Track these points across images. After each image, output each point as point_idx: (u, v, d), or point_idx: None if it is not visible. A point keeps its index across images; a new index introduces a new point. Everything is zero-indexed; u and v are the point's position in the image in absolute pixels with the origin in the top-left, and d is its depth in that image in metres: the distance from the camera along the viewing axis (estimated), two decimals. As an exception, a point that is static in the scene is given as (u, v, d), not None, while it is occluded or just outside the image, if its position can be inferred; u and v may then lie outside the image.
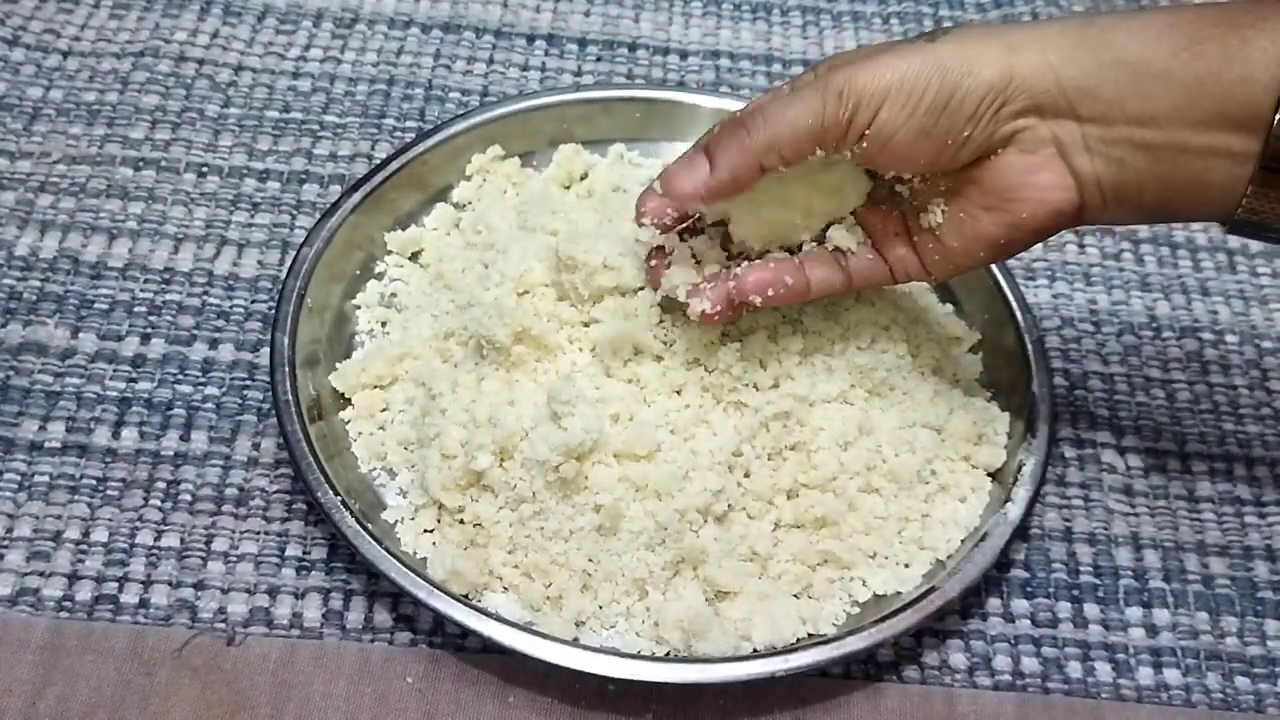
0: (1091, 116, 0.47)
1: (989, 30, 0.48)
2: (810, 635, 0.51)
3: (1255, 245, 0.70)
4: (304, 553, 0.54)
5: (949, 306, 0.63)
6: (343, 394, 0.57)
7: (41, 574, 0.52)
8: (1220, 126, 0.45)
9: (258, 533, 0.54)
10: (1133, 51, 0.46)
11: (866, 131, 0.48)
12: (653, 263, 0.54)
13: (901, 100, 0.47)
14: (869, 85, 0.47)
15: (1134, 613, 0.55)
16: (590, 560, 0.52)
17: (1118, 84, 0.46)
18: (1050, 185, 0.48)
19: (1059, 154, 0.48)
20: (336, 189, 0.67)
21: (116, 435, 0.57)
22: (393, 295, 0.62)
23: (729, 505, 0.53)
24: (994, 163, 0.49)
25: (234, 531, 0.54)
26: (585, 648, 0.49)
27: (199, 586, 0.53)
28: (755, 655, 0.50)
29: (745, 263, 0.53)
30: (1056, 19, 0.50)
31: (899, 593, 0.53)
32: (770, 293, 0.52)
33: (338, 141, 0.70)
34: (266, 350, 0.58)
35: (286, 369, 0.55)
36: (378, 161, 0.66)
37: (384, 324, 0.61)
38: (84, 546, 0.53)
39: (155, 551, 0.54)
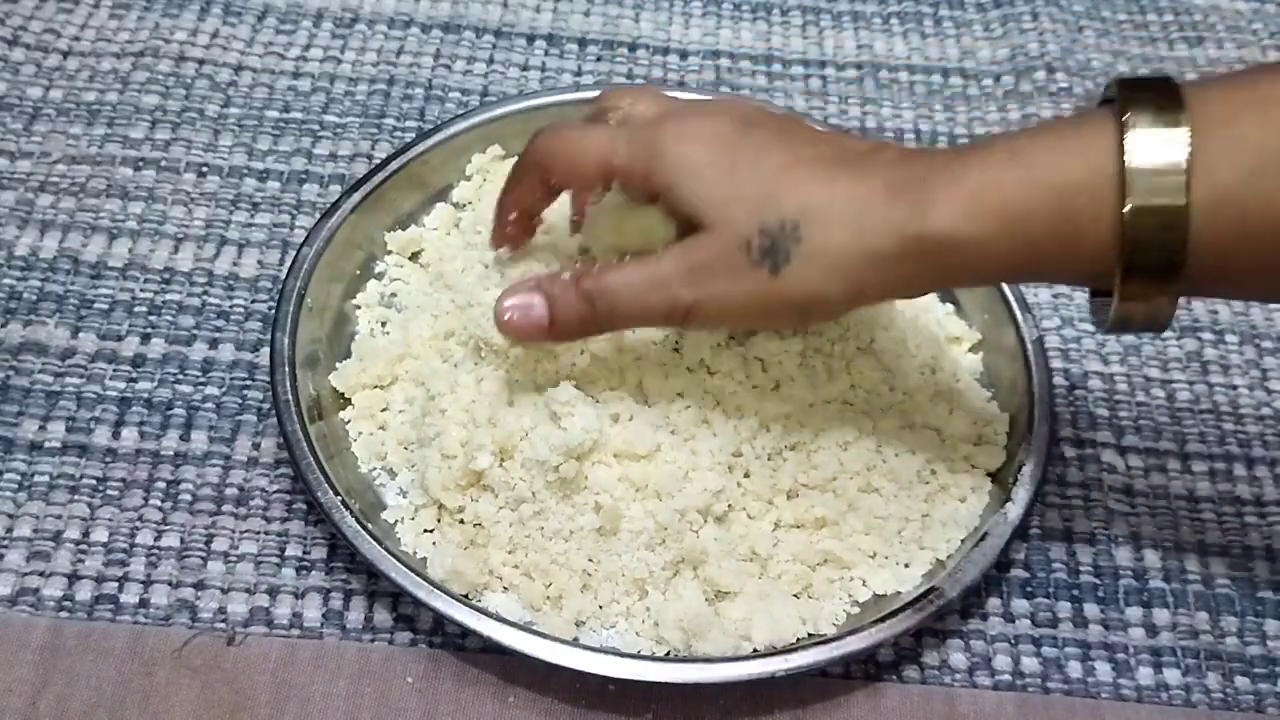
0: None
1: (830, 258, 0.45)
2: (810, 635, 0.51)
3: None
4: (304, 552, 0.54)
5: (949, 306, 0.63)
6: (343, 394, 0.57)
7: (41, 574, 0.52)
8: (1075, 271, 0.46)
9: (258, 532, 0.55)
10: (968, 257, 0.44)
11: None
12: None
13: (750, 321, 0.51)
14: (714, 318, 0.48)
15: (1134, 612, 0.55)
16: (590, 560, 0.52)
17: (954, 279, 0.52)
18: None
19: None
20: (336, 189, 0.67)
21: (116, 435, 0.57)
22: (393, 295, 0.62)
23: (729, 505, 0.53)
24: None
25: (234, 531, 0.54)
26: (585, 647, 0.50)
27: (199, 586, 0.53)
28: (755, 655, 0.50)
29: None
30: (885, 212, 0.45)
31: (899, 592, 0.53)
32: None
33: (338, 141, 0.70)
34: (266, 350, 0.58)
35: (286, 369, 0.55)
36: (378, 161, 0.66)
37: (384, 324, 0.61)
38: (84, 546, 0.53)
39: (155, 551, 0.54)
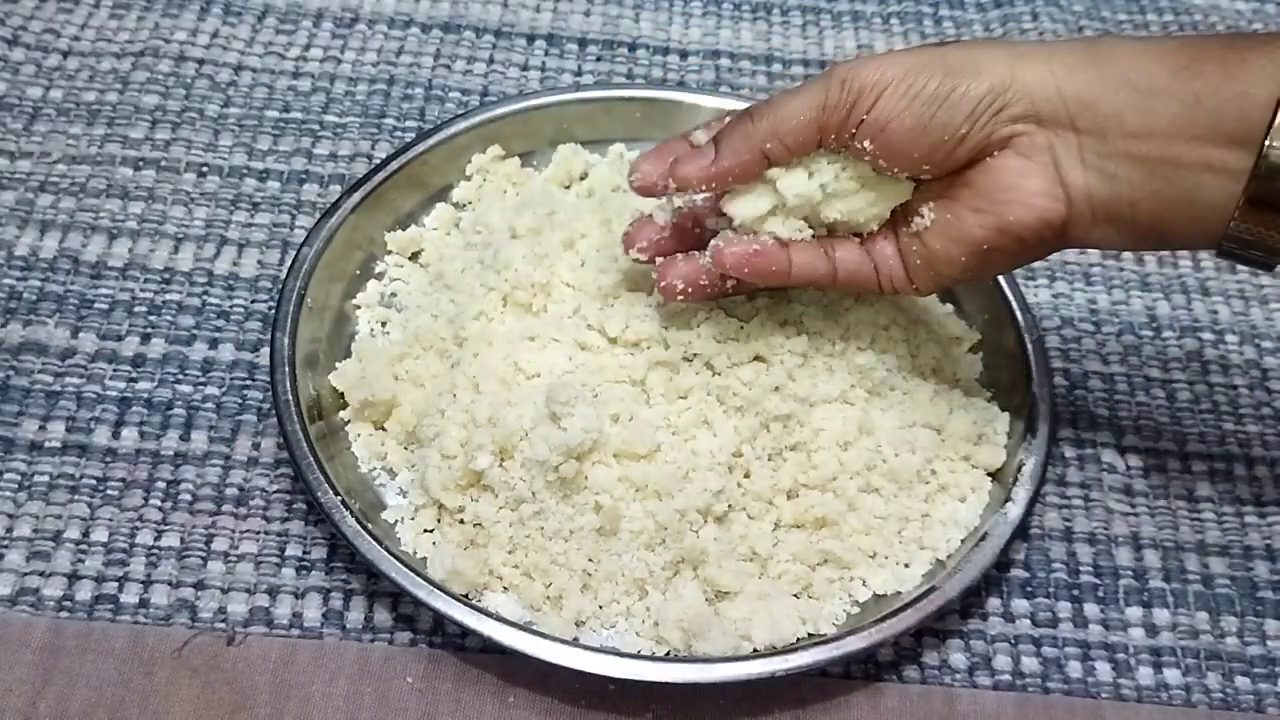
0: (1089, 129, 0.47)
1: (994, 41, 0.49)
2: (810, 635, 0.51)
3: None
4: (304, 552, 0.54)
5: (949, 306, 0.63)
6: (343, 394, 0.57)
7: (41, 574, 0.52)
8: (1216, 142, 0.46)
9: (258, 532, 0.55)
10: (1135, 69, 0.47)
11: (865, 118, 0.48)
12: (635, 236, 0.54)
13: (903, 90, 0.48)
14: (872, 75, 0.48)
15: (1134, 612, 0.55)
16: (590, 560, 0.52)
17: (1118, 98, 0.47)
18: (1039, 191, 0.48)
19: (1053, 163, 0.48)
20: (336, 189, 0.67)
21: (116, 435, 0.57)
22: (393, 295, 0.62)
23: (729, 505, 0.53)
24: (987, 164, 0.49)
25: (234, 531, 0.54)
26: (585, 647, 0.50)
27: (199, 586, 0.53)
28: (755, 655, 0.50)
29: (728, 233, 0.53)
30: (1062, 40, 0.51)
31: (899, 592, 0.53)
32: (747, 269, 0.52)
33: (338, 141, 0.70)
34: (266, 350, 0.58)
35: (286, 369, 0.55)
36: (378, 161, 0.66)
37: (384, 324, 0.61)
38: (84, 546, 0.53)
39: (155, 551, 0.54)
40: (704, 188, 0.51)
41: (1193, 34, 0.48)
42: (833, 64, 0.51)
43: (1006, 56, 0.48)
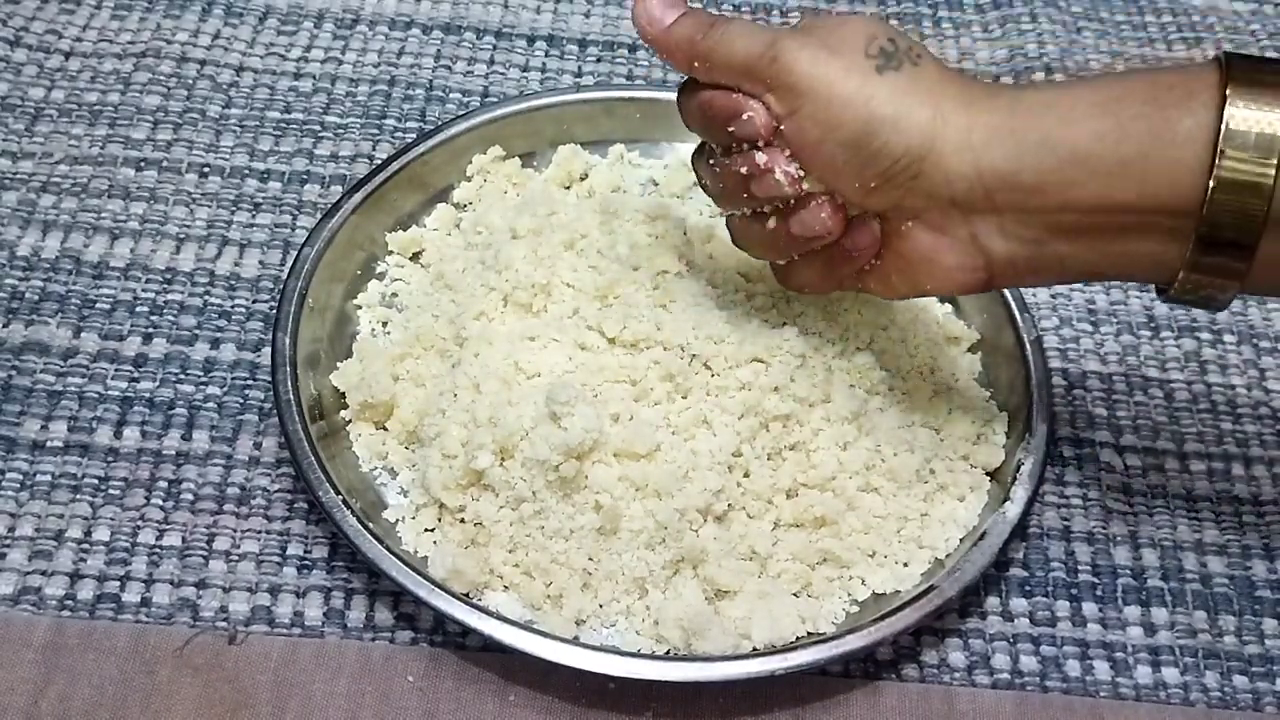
0: (1009, 205, 0.47)
1: (930, 86, 0.47)
2: (809, 634, 0.52)
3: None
4: (305, 552, 0.54)
5: (947, 306, 0.63)
6: (344, 394, 0.57)
7: (43, 573, 0.53)
8: (1149, 208, 0.45)
9: (259, 532, 0.55)
10: (1058, 134, 0.46)
11: (783, 126, 0.48)
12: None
13: (821, 118, 0.47)
14: (801, 77, 0.47)
15: (1132, 611, 0.55)
16: (590, 559, 0.52)
17: (1039, 170, 0.46)
18: (956, 266, 0.49)
19: (970, 238, 0.48)
20: (338, 189, 0.68)
21: (118, 435, 0.57)
22: (394, 295, 0.62)
23: (729, 505, 0.53)
24: (903, 232, 0.49)
25: (236, 530, 0.55)
26: (585, 646, 0.50)
27: (201, 585, 0.53)
28: (755, 654, 0.50)
29: None
30: (991, 90, 0.49)
31: (898, 591, 0.53)
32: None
33: (339, 142, 0.70)
34: (268, 350, 0.58)
35: (288, 368, 0.55)
36: (379, 162, 0.66)
37: (385, 324, 0.61)
38: (86, 545, 0.54)
39: (157, 550, 0.54)
40: (644, 32, 0.50)
41: (1117, 78, 0.46)
42: (806, 20, 0.50)
43: (930, 116, 0.46)
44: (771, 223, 0.51)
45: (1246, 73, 0.44)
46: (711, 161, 0.52)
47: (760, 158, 0.49)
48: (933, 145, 0.46)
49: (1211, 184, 0.43)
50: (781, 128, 0.48)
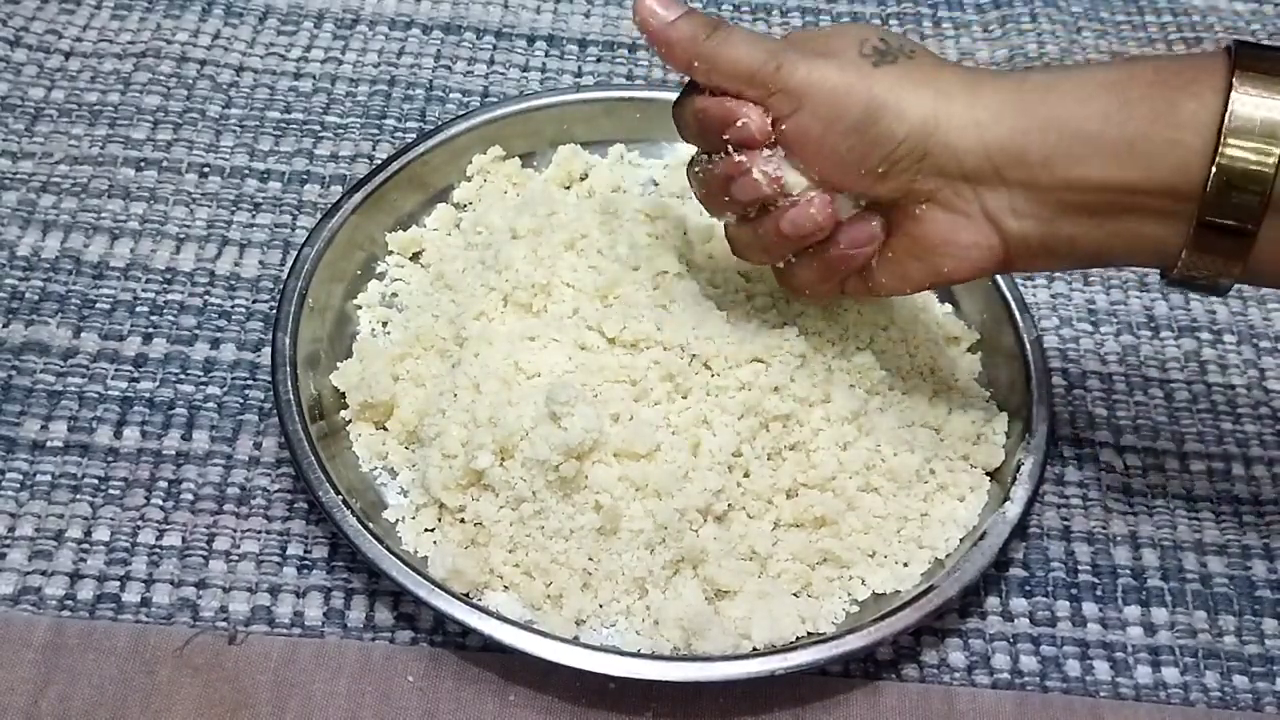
0: (1018, 180, 0.47)
1: (928, 72, 0.48)
2: (809, 634, 0.52)
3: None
4: (305, 552, 0.54)
5: (947, 306, 0.63)
6: (344, 394, 0.57)
7: (44, 573, 0.53)
8: (1153, 192, 0.45)
9: (259, 532, 0.55)
10: (1064, 112, 0.46)
11: (784, 127, 0.48)
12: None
13: (822, 112, 0.47)
14: (803, 79, 0.47)
15: (1132, 611, 0.56)
16: (590, 559, 0.52)
17: (1045, 146, 0.46)
18: (972, 244, 0.49)
19: (983, 213, 0.48)
20: (338, 189, 0.68)
21: (118, 435, 0.57)
22: (394, 295, 0.62)
23: (729, 505, 0.53)
24: (918, 216, 0.49)
25: (236, 530, 0.55)
26: (586, 646, 0.50)
27: (201, 585, 0.53)
28: (755, 654, 0.50)
29: None
30: (994, 73, 0.50)
31: (898, 591, 0.53)
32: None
33: (339, 142, 0.70)
34: (268, 350, 0.58)
35: (288, 368, 0.55)
36: (379, 162, 0.66)
37: (385, 324, 0.61)
38: (86, 545, 0.54)
39: (157, 550, 0.54)
40: (642, 23, 0.50)
41: (1124, 61, 0.47)
42: (800, 35, 0.51)
43: (932, 97, 0.47)
44: (762, 225, 0.51)
45: (1254, 60, 0.45)
46: (696, 169, 0.52)
47: (738, 158, 0.49)
48: (937, 124, 0.47)
49: (1214, 168, 0.44)
50: (784, 128, 0.48)
